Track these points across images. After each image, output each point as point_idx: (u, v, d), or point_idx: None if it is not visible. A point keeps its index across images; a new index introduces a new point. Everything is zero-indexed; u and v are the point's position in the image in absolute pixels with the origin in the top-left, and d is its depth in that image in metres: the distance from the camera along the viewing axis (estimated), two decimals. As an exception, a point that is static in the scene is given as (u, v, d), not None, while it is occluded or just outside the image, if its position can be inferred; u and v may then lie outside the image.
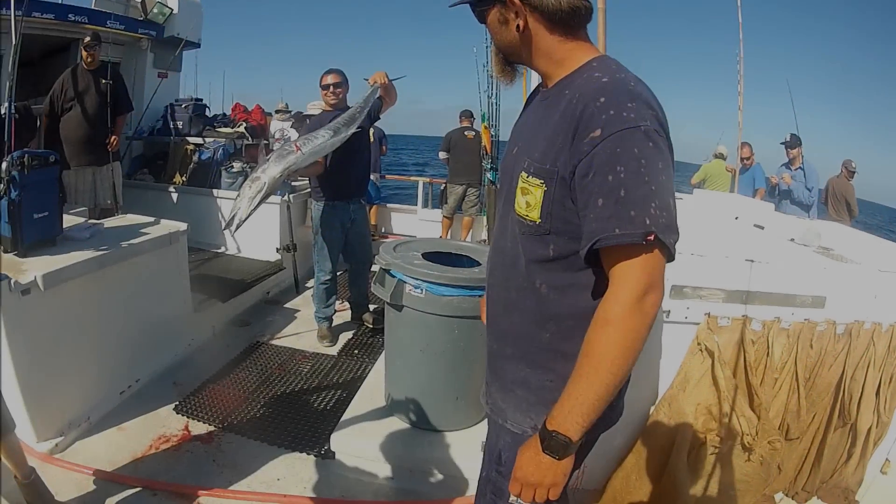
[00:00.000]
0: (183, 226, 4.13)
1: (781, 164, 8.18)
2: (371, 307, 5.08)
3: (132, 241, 3.69)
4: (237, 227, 3.31)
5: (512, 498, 1.39)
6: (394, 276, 3.00)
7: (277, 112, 8.36)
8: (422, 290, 2.86)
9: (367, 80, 4.19)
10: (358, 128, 3.91)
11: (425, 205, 8.53)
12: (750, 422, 2.49)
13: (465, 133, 7.91)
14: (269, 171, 3.38)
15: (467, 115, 8.20)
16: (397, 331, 3.16)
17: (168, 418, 3.49)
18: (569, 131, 1.27)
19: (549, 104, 1.42)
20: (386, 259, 3.04)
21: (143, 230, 3.94)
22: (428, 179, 8.69)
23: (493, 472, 1.63)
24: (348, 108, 4.15)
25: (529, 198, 1.36)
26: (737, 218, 4.19)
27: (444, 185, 8.08)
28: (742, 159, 8.12)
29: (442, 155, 8.11)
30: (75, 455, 3.09)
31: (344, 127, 3.78)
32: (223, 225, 3.40)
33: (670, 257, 1.24)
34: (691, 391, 2.57)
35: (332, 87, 4.42)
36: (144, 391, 3.75)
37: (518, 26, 1.40)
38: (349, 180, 4.46)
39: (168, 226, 4.10)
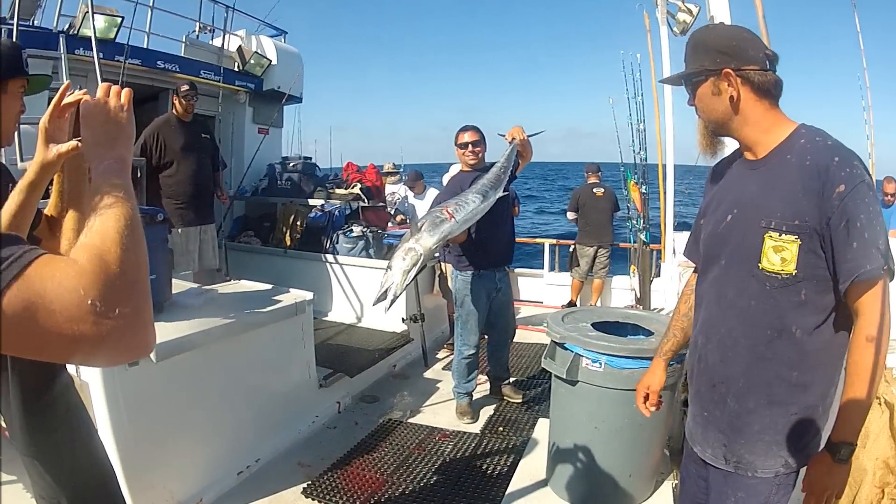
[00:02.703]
0: (309, 295, 4.29)
1: None
2: (511, 379, 5.17)
3: (252, 311, 3.83)
4: (392, 303, 3.33)
5: None
6: (567, 350, 3.12)
7: (387, 174, 8.63)
8: (600, 363, 2.98)
9: (502, 135, 4.26)
10: (504, 190, 3.97)
11: (552, 267, 8.68)
12: (925, 470, 2.57)
13: (595, 190, 8.06)
14: (424, 241, 3.40)
15: (594, 169, 8.33)
16: (569, 407, 3.26)
17: (295, 502, 3.54)
18: (812, 188, 1.63)
19: (769, 170, 1.75)
20: (559, 332, 3.15)
21: (261, 298, 4.12)
22: (554, 241, 8.87)
23: None
24: (486, 167, 4.29)
25: (785, 254, 1.68)
26: None
27: (572, 246, 8.21)
28: (886, 195, 7.94)
29: (570, 215, 8.29)
30: (186, 540, 3.21)
31: (492, 190, 3.84)
32: (374, 300, 3.39)
33: (892, 276, 1.64)
34: (871, 447, 2.69)
35: (470, 146, 4.54)
36: (266, 472, 3.82)
37: (732, 97, 1.74)
38: (497, 247, 4.59)
39: (293, 294, 4.26)
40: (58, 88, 1.59)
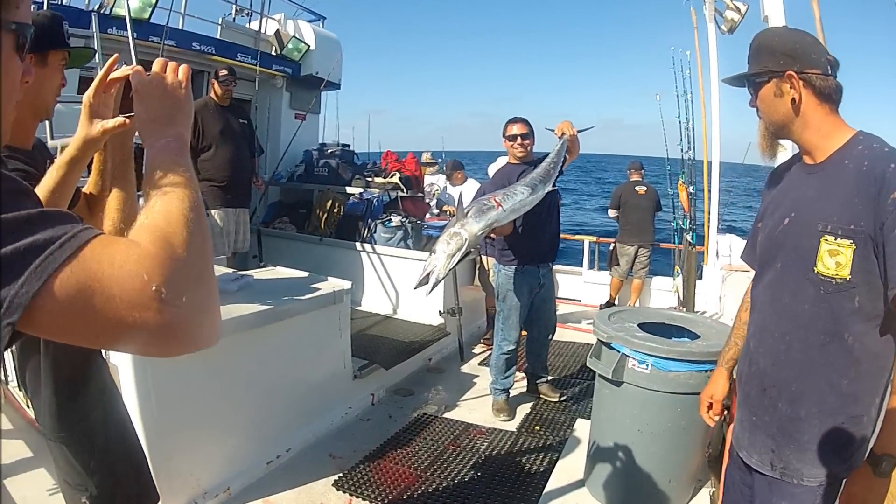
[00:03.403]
0: (347, 284, 4.30)
1: None
2: (549, 377, 5.16)
3: (290, 298, 3.83)
4: (434, 287, 3.30)
5: None
6: (614, 350, 3.12)
7: (425, 164, 8.58)
8: (647, 365, 2.98)
9: (551, 130, 4.25)
10: (553, 186, 3.96)
11: (591, 265, 8.65)
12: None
13: (637, 189, 8.03)
14: (470, 226, 3.37)
15: (637, 167, 8.32)
16: (612, 408, 3.27)
17: (326, 494, 3.53)
18: (869, 193, 1.64)
19: (826, 175, 1.78)
20: (607, 332, 3.15)
21: (298, 286, 4.12)
22: (594, 238, 8.83)
23: None
24: (534, 160, 4.28)
25: (840, 258, 1.69)
26: None
27: (612, 244, 8.19)
28: None
29: (611, 213, 8.27)
30: (210, 528, 3.22)
31: (541, 184, 3.81)
32: (416, 283, 3.33)
33: None
34: None
35: (519, 139, 4.51)
36: (296, 462, 3.82)
37: (794, 99, 1.77)
38: (542, 243, 4.60)
39: (332, 283, 4.28)
40: (94, 67, 1.53)
